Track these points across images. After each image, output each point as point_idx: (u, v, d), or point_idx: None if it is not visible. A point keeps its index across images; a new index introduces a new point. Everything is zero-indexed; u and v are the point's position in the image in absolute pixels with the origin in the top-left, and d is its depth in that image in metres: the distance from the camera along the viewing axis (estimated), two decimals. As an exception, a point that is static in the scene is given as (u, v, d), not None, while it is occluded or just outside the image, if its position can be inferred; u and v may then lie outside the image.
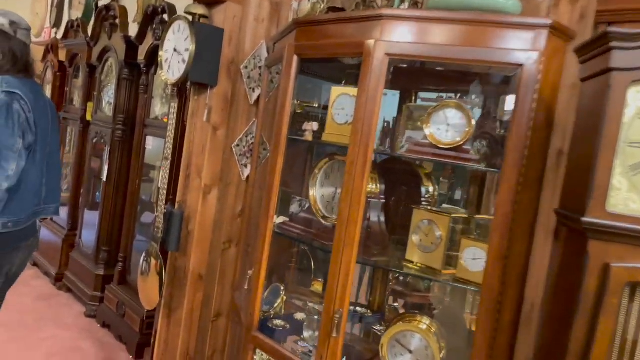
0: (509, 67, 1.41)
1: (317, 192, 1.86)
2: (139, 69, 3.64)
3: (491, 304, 1.38)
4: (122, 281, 3.60)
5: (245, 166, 2.40)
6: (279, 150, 1.81)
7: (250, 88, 2.35)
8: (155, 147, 3.63)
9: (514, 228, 1.38)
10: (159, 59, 2.30)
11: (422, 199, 1.88)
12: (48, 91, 4.87)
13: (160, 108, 3.60)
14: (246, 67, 2.33)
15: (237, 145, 2.36)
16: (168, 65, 2.26)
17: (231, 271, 2.44)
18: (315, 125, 1.82)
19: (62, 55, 4.79)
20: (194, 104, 2.32)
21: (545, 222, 1.49)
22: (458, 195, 2.03)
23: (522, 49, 1.36)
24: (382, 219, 1.75)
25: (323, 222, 1.80)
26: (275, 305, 2.05)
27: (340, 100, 1.76)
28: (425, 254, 1.61)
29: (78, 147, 4.31)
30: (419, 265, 1.62)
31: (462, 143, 1.47)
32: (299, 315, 2.03)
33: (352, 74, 1.77)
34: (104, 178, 3.78)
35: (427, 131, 1.54)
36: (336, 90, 1.78)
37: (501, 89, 1.59)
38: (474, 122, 1.49)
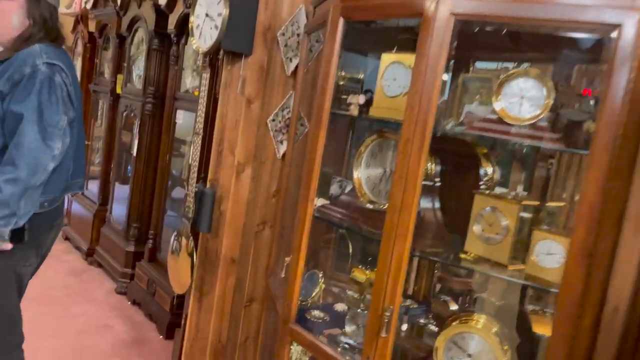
0: (602, 29, 1.18)
1: (363, 174, 1.67)
2: (169, 39, 3.49)
3: (572, 307, 1.19)
4: (152, 259, 3.52)
5: (281, 143, 2.23)
6: (321, 126, 1.62)
7: (287, 57, 2.16)
8: (186, 122, 3.50)
9: (602, 220, 1.17)
10: (190, 26, 2.12)
11: (481, 183, 1.67)
12: (78, 63, 4.78)
13: (191, 81, 3.45)
14: (283, 34, 2.13)
15: (273, 120, 2.19)
16: (199, 32, 2.08)
17: (265, 254, 2.29)
18: (362, 98, 1.62)
19: (93, 26, 4.68)
20: (227, 75, 2.14)
21: (635, 215, 1.26)
22: (517, 178, 1.81)
23: (621, 5, 1.12)
24: (437, 204, 1.55)
25: (369, 206, 1.62)
26: (313, 294, 1.90)
27: (392, 69, 1.56)
28: (488, 246, 1.41)
29: (108, 121, 4.22)
30: (479, 258, 1.43)
31: (539, 119, 1.25)
32: (339, 306, 1.87)
33: (405, 40, 1.56)
34: (134, 153, 3.67)
35: (497, 105, 1.32)
36: (387, 58, 1.58)
37: (586, 55, 1.36)
38: (553, 96, 1.27)
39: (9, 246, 1.69)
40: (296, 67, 2.17)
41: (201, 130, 2.16)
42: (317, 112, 1.62)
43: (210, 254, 2.21)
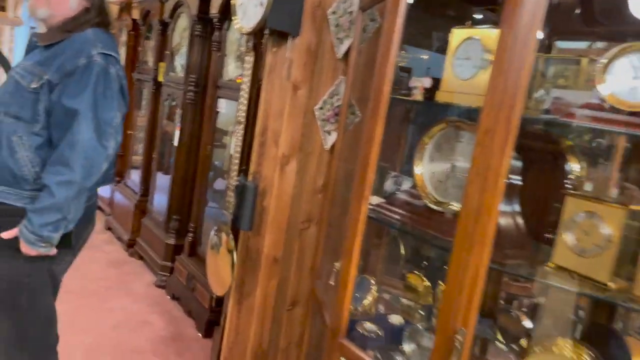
0: None
1: (426, 169, 1.45)
2: (211, 25, 3.34)
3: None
4: (192, 252, 3.41)
5: (329, 133, 2.03)
6: (378, 114, 1.41)
7: (338, 39, 1.95)
8: (228, 111, 3.35)
9: None
10: (232, 3, 1.94)
11: (566, 181, 1.42)
12: (122, 52, 4.72)
13: (234, 68, 3.29)
14: (334, 13, 1.92)
15: (320, 108, 1.99)
16: (243, 11, 1.90)
17: (310, 254, 2.11)
18: (427, 82, 1.40)
19: (136, 14, 4.61)
20: (272, 58, 1.95)
21: None
22: (608, 176, 1.55)
23: None
24: (517, 207, 1.31)
25: (434, 207, 1.39)
26: (365, 302, 1.70)
27: (466, 47, 1.32)
28: (583, 259, 1.17)
29: (150, 110, 4.14)
30: (572, 273, 1.19)
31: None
32: (395, 318, 1.66)
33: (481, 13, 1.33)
34: (176, 143, 3.56)
35: (602, 90, 1.07)
36: (459, 34, 1.34)
37: None
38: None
39: (54, 251, 1.57)
40: (348, 49, 1.96)
41: (243, 119, 1.98)
42: (375, 97, 1.41)
43: (252, 253, 2.05)
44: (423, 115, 1.76)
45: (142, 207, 4.11)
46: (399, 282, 1.95)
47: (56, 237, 1.52)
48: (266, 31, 1.83)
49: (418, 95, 1.42)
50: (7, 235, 1.53)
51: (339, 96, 2.00)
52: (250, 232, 2.00)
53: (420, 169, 1.45)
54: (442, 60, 1.40)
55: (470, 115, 1.31)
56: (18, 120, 1.55)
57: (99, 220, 4.65)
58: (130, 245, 4.09)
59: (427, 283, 1.81)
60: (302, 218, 2.06)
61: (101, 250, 4.05)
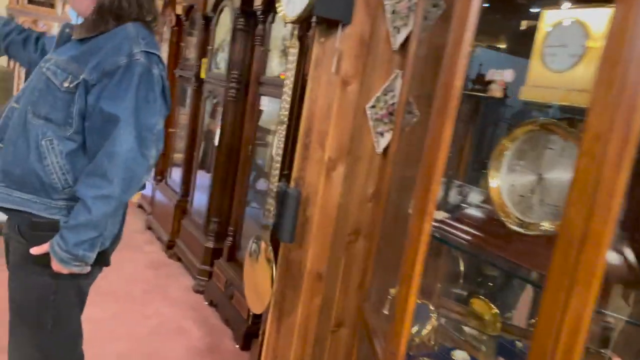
0: None
1: (504, 180, 1.20)
2: (255, 18, 3.17)
3: None
4: (231, 257, 3.25)
5: (382, 135, 1.80)
6: (448, 113, 1.17)
7: (395, 27, 1.72)
8: (271, 109, 3.18)
9: None
10: (276, -11, 1.75)
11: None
12: (165, 48, 4.64)
13: (278, 64, 3.11)
14: (391, -2, 1.69)
15: (373, 107, 1.76)
16: (287, -3, 1.70)
17: (358, 270, 1.88)
18: (509, 75, 1.15)
19: (179, 10, 4.52)
20: (319, 50, 1.74)
21: None
22: None
23: None
24: (623, 233, 1.05)
25: (515, 228, 1.14)
26: (423, 332, 1.46)
27: (558, 32, 1.07)
28: None
29: (192, 107, 4.02)
30: None
31: None
32: (460, 355, 1.42)
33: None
34: (216, 142, 3.41)
35: None
36: (552, 16, 1.09)
37: None
38: None
39: (88, 269, 1.42)
40: (405, 39, 1.73)
41: (286, 119, 1.78)
42: (444, 93, 1.17)
43: (293, 267, 1.84)
44: (497, 114, 1.51)
45: (182, 208, 4.00)
46: (459, 306, 1.70)
47: (92, 256, 1.37)
48: (313, 19, 1.61)
49: (497, 92, 1.17)
50: (36, 251, 1.38)
51: (394, 93, 1.77)
52: (291, 244, 1.80)
53: (497, 180, 1.20)
54: (495, 56, 1.16)
55: (567, 116, 1.05)
56: (48, 122, 1.38)
57: (140, 219, 4.62)
58: (169, 246, 3.99)
59: (495, 310, 1.56)
60: (349, 230, 1.84)
61: (141, 251, 3.97)
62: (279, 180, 1.82)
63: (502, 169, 1.20)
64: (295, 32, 1.75)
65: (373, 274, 1.79)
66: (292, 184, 1.80)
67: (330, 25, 1.68)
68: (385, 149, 1.80)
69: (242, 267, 3.20)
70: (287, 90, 1.76)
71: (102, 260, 1.46)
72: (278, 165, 1.79)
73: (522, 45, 1.32)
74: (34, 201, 1.40)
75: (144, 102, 1.35)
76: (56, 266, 1.38)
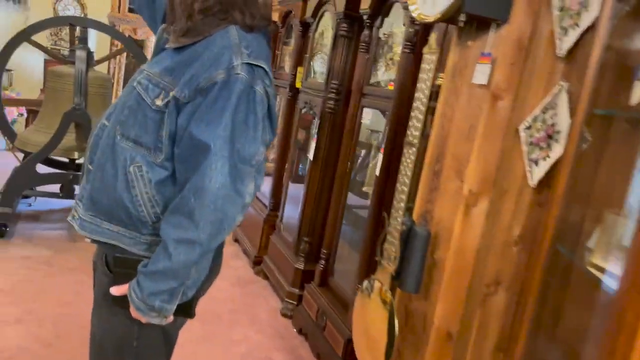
0: None
1: None
2: (359, 23, 2.90)
3: None
4: (322, 282, 2.98)
5: (536, 163, 1.43)
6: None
7: (562, 28, 1.35)
8: (372, 122, 2.89)
9: None
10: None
11: None
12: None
13: (383, 73, 2.81)
14: (559, -9, 1.33)
15: (528, 128, 1.40)
16: (424, -7, 1.38)
17: (495, 329, 1.52)
18: None
19: (277, 16, 4.37)
20: (459, 56, 1.41)
21: None
22: None
23: None
24: None
25: None
26: None
27: None
28: None
29: (285, 117, 3.83)
30: None
31: None
32: None
33: None
34: (311, 156, 3.17)
35: None
36: None
37: None
38: None
39: (170, 320, 1.21)
40: (574, 44, 1.35)
41: (416, 140, 1.46)
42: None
43: (414, 321, 1.52)
44: None
45: (271, 223, 3.80)
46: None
47: (170, 308, 1.15)
48: (461, 17, 1.28)
49: None
50: (116, 291, 1.18)
51: (555, 111, 1.40)
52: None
53: None
54: None
55: None
56: (138, 145, 1.16)
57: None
58: (257, 262, 3.80)
59: None
60: (487, 279, 1.48)
61: (228, 265, 3.79)
62: (404, 214, 1.50)
63: None
64: (434, 35, 1.43)
65: (519, 334, 1.42)
66: (418, 220, 1.48)
67: (480, 26, 1.35)
68: (541, 181, 1.42)
69: (335, 294, 2.93)
70: (419, 105, 1.45)
71: (185, 311, 1.23)
72: (403, 196, 1.48)
73: None
74: (123, 234, 1.20)
75: (242, 128, 1.10)
76: (134, 313, 1.17)
